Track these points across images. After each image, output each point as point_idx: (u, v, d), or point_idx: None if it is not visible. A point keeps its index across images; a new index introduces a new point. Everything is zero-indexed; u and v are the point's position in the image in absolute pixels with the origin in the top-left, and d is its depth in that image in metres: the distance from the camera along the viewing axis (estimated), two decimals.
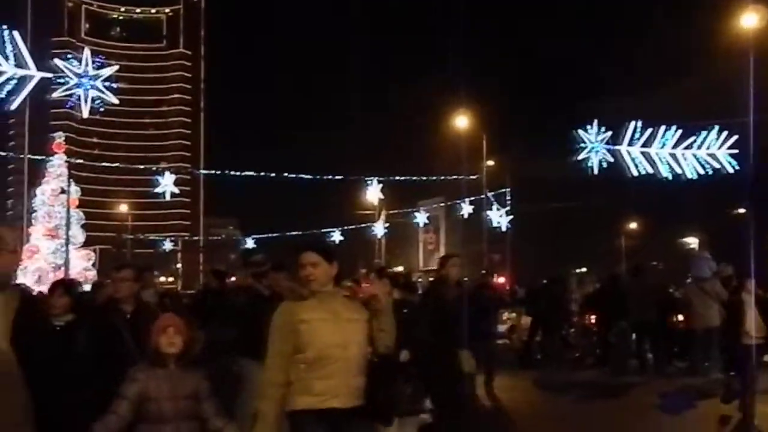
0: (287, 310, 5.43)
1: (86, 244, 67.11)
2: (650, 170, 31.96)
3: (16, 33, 26.22)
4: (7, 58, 25.69)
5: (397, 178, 49.92)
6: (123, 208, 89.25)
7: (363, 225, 57.88)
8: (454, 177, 47.04)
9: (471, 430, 9.27)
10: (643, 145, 31.64)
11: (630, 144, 31.59)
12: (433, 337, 8.85)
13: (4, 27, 26.03)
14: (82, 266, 61.33)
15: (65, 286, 7.99)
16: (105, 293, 8.70)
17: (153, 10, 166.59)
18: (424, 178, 52.07)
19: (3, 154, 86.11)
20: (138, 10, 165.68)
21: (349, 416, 5.35)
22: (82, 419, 5.16)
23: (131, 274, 7.12)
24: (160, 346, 5.43)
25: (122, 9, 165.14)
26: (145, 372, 5.39)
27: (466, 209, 48.69)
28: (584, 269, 41.07)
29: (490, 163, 47.23)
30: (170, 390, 5.35)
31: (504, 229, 48.81)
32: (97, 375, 6.12)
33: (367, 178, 48.12)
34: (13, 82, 25.87)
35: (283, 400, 5.27)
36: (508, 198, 49.01)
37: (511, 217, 48.85)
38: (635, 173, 31.97)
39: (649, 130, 31.70)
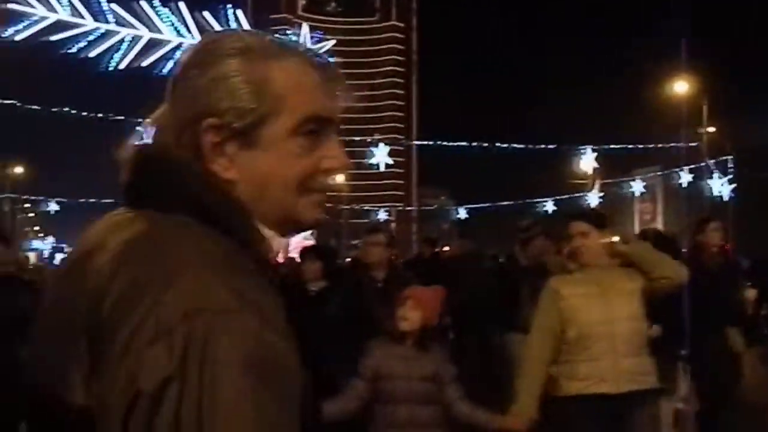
0: (551, 285, 5.02)
1: None
2: None
3: (239, 12, 27.38)
4: None
5: (612, 146, 48.68)
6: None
7: (576, 195, 56.93)
8: (672, 144, 45.41)
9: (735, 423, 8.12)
10: None
11: None
12: (695, 312, 7.38)
13: (228, 6, 27.22)
14: (302, 235, 63.66)
15: (317, 251, 7.66)
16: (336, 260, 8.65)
17: None
18: (641, 146, 50.47)
19: None
20: None
21: (624, 403, 4.78)
22: (328, 390, 4.87)
23: (383, 239, 6.63)
24: (396, 320, 4.99)
25: None
26: (381, 347, 5.00)
27: (685, 178, 46.95)
28: None
29: (711, 129, 45.35)
30: (404, 369, 4.88)
31: (726, 198, 46.77)
32: (349, 343, 5.60)
33: (580, 147, 47.24)
34: None
35: (544, 379, 4.87)
36: (730, 166, 46.88)
37: (734, 185, 46.73)
38: None
39: None
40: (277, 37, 1.52)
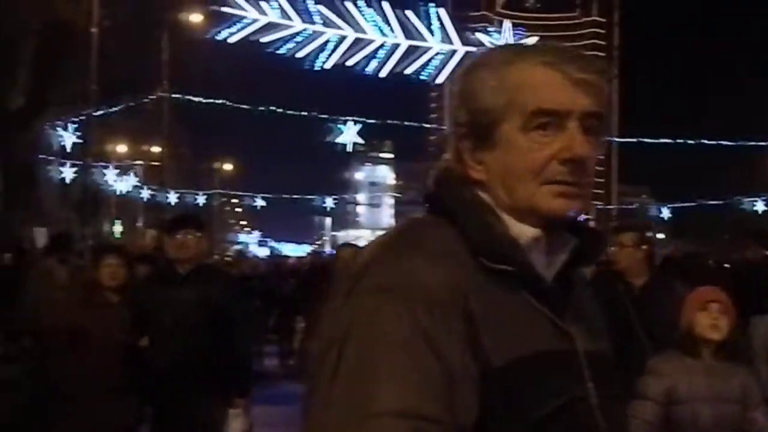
0: None
1: None
2: None
3: (441, 10, 27.65)
4: (433, 34, 27.13)
5: None
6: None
7: None
8: None
9: None
10: None
11: None
12: None
13: (431, 4, 27.54)
14: None
15: None
16: None
17: None
18: None
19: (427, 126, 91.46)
20: None
21: None
22: None
23: (635, 239, 5.82)
24: (697, 328, 4.06)
25: None
26: (671, 363, 4.11)
27: None
28: None
29: None
30: (709, 389, 4.00)
31: None
32: None
33: None
34: (440, 56, 27.30)
35: None
36: None
37: None
38: None
39: None
40: (519, 45, 1.69)
